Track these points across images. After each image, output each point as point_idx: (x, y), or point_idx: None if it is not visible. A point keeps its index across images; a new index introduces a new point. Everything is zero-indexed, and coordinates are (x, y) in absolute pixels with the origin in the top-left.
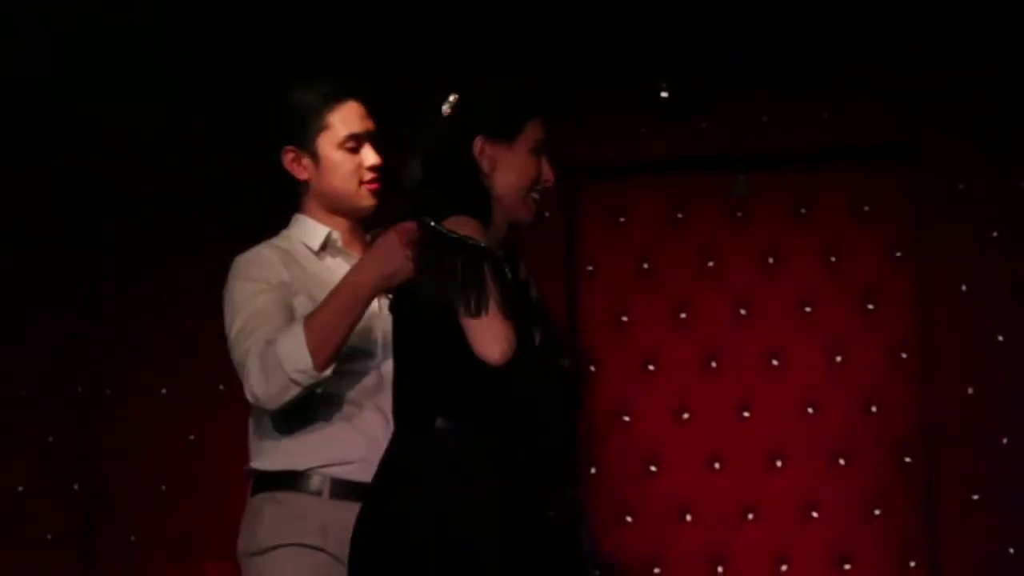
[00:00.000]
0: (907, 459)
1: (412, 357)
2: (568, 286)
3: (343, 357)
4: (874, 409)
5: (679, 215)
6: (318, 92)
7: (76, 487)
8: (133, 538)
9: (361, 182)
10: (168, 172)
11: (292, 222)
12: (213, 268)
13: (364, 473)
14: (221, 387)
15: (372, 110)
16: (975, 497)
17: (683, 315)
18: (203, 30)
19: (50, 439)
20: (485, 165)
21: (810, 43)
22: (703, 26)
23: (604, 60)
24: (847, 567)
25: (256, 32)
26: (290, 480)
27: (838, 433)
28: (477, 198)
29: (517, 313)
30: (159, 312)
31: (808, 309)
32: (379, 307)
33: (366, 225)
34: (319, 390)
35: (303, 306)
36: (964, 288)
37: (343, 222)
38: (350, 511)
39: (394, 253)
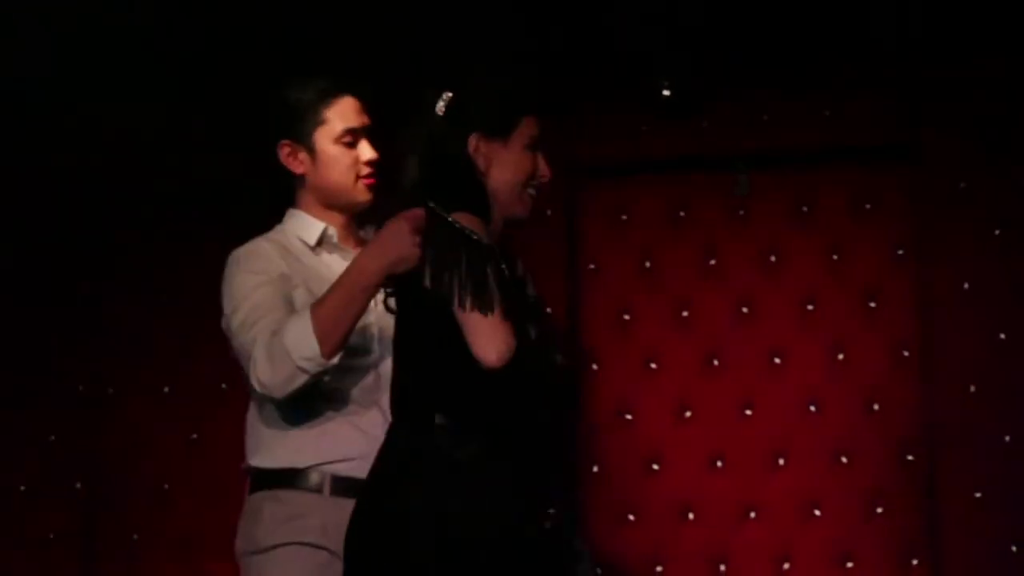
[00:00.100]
0: (909, 458)
1: (413, 352)
2: (569, 285)
3: (343, 354)
4: (876, 408)
5: (680, 214)
6: (315, 87)
7: (78, 486)
8: (135, 537)
9: (358, 177)
10: (168, 172)
11: (287, 217)
12: (213, 268)
13: (364, 470)
14: (223, 386)
15: (368, 106)
16: (977, 496)
17: (685, 314)
18: (203, 30)
19: (52, 438)
20: (481, 162)
21: (810, 43)
22: (703, 26)
23: (605, 60)
24: (849, 566)
25: (256, 32)
26: (290, 478)
27: (840, 432)
28: (474, 195)
29: (515, 311)
30: (160, 312)
31: (810, 308)
32: (375, 303)
33: (361, 221)
34: (326, 378)
35: (302, 300)
36: (966, 287)
37: (339, 217)
38: (350, 508)
39: (402, 239)
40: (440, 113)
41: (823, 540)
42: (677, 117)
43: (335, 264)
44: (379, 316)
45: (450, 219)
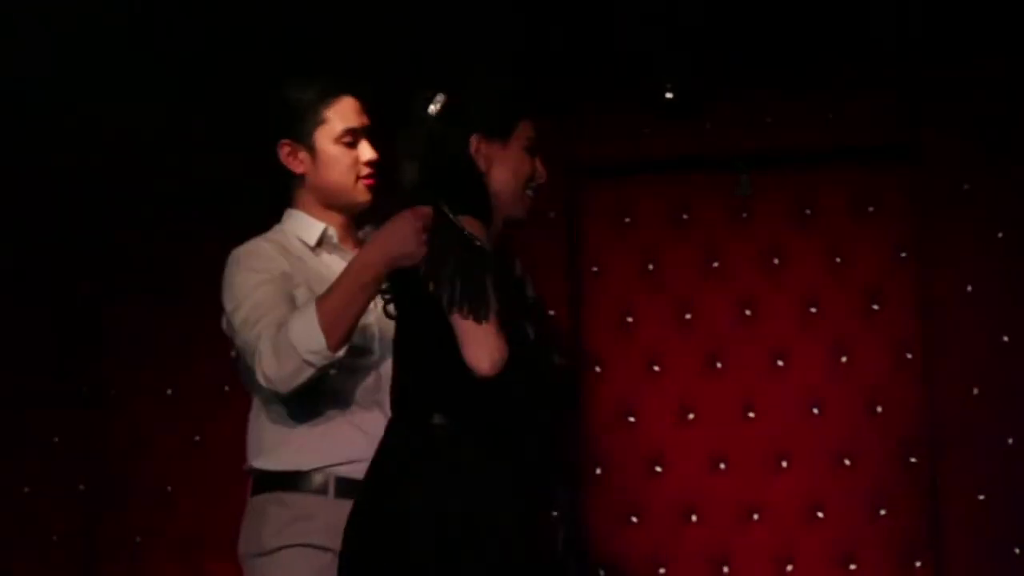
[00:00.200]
0: (912, 459)
1: (412, 351)
2: (571, 287)
3: (344, 354)
4: (879, 409)
5: (683, 215)
6: (315, 87)
7: (80, 487)
8: (137, 538)
9: (358, 177)
10: (168, 172)
11: (285, 217)
12: (214, 268)
13: None
14: (226, 388)
15: (368, 106)
16: (980, 497)
17: (687, 315)
18: (203, 30)
19: (55, 439)
20: (481, 163)
21: (811, 43)
22: (704, 26)
23: (606, 60)
24: (852, 567)
25: (256, 32)
26: (294, 480)
27: (842, 433)
28: (476, 196)
29: (512, 317)
30: (162, 313)
31: (812, 309)
32: (375, 304)
33: (359, 222)
34: (332, 371)
35: (303, 298)
36: (968, 288)
37: (338, 218)
38: None
39: (408, 233)
40: (436, 114)
41: (825, 541)
42: (678, 118)
43: (335, 264)
44: (379, 316)
45: (455, 222)
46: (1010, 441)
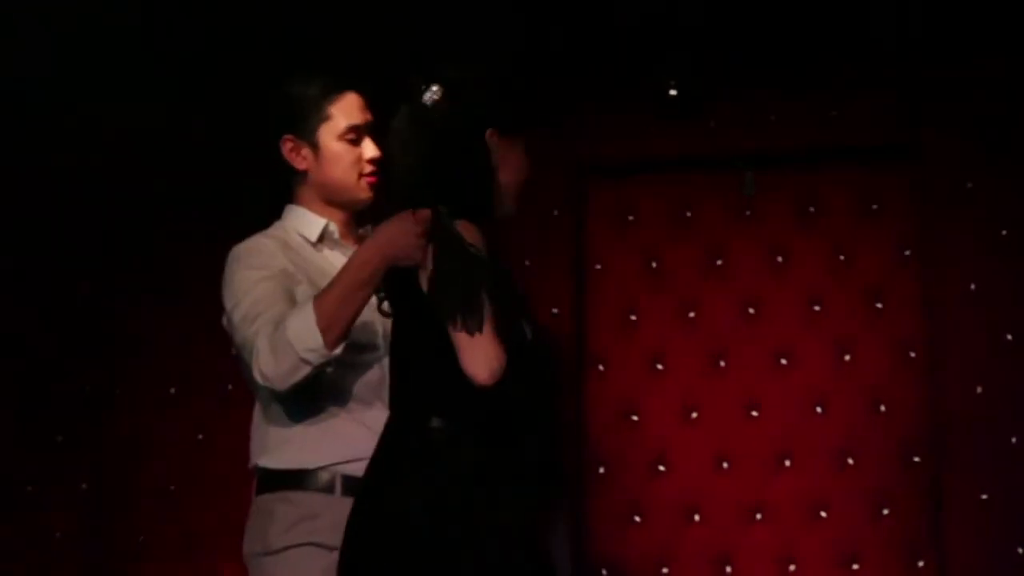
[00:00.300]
0: (915, 459)
1: (409, 354)
2: (575, 286)
3: (347, 352)
4: (882, 408)
5: (687, 214)
6: (319, 83)
7: (84, 487)
8: (141, 538)
9: (360, 175)
10: (168, 172)
11: (286, 213)
12: (216, 268)
13: None
14: (229, 386)
15: (371, 103)
16: (983, 497)
17: (691, 314)
18: (203, 30)
19: (58, 439)
20: (493, 158)
21: (811, 43)
22: (706, 26)
23: (608, 60)
24: (855, 567)
25: (256, 32)
26: (299, 479)
27: (846, 433)
28: (482, 192)
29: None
30: (165, 312)
31: (816, 308)
32: (376, 299)
33: (360, 218)
34: (329, 369)
35: (306, 295)
36: (972, 287)
37: (339, 214)
38: None
39: (406, 234)
40: (437, 104)
41: (828, 541)
42: (681, 117)
43: (336, 260)
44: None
45: (454, 230)
46: (1013, 440)
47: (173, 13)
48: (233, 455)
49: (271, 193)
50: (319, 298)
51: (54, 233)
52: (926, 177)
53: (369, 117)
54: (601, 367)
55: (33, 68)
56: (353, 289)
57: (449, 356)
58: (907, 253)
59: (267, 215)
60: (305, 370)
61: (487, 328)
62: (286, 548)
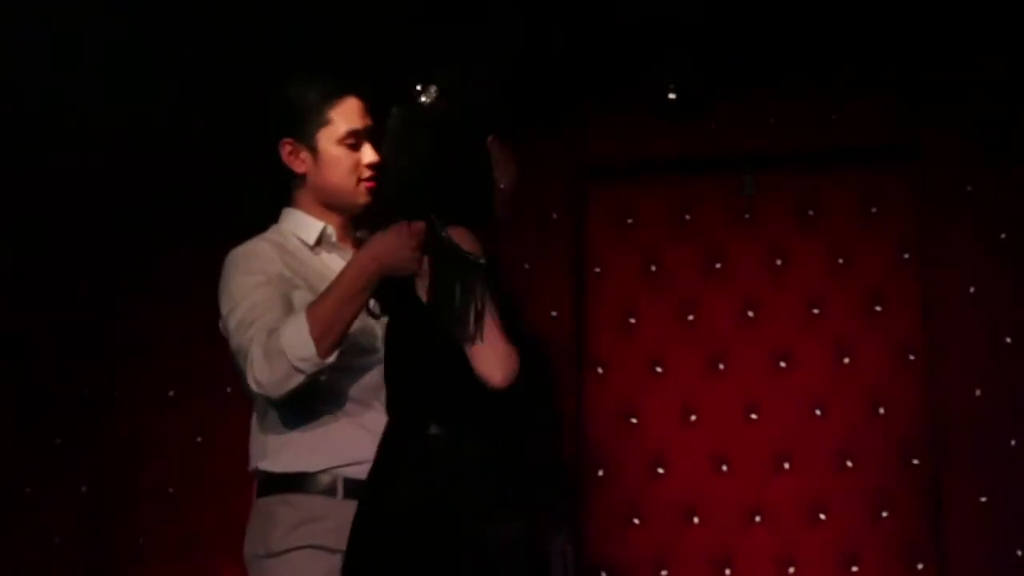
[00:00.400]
0: (914, 461)
1: (406, 361)
2: (574, 288)
3: (347, 354)
4: (881, 411)
5: (685, 216)
6: (320, 87)
7: (83, 489)
8: (140, 540)
9: (359, 179)
10: (168, 172)
11: (283, 216)
12: (216, 269)
13: None
14: (228, 389)
15: (371, 107)
16: (982, 499)
17: (690, 317)
18: (203, 30)
19: (57, 441)
20: (493, 164)
21: (811, 43)
22: (706, 27)
23: (608, 61)
24: (854, 569)
25: (256, 32)
26: (300, 481)
27: (845, 435)
28: (485, 196)
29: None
30: (163, 313)
31: (815, 311)
32: (374, 304)
33: (356, 222)
34: (323, 377)
35: (304, 299)
36: (971, 290)
37: (336, 217)
38: None
39: (400, 246)
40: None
41: (828, 543)
42: (681, 118)
43: (334, 263)
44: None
45: (449, 239)
46: (1012, 442)
47: (173, 13)
48: (233, 456)
49: (270, 195)
50: (313, 307)
51: (54, 233)
52: (926, 179)
53: (369, 122)
54: (600, 369)
55: (33, 68)
56: (347, 299)
57: (447, 363)
58: (906, 255)
59: (266, 216)
60: (298, 379)
61: (496, 331)
62: (287, 550)
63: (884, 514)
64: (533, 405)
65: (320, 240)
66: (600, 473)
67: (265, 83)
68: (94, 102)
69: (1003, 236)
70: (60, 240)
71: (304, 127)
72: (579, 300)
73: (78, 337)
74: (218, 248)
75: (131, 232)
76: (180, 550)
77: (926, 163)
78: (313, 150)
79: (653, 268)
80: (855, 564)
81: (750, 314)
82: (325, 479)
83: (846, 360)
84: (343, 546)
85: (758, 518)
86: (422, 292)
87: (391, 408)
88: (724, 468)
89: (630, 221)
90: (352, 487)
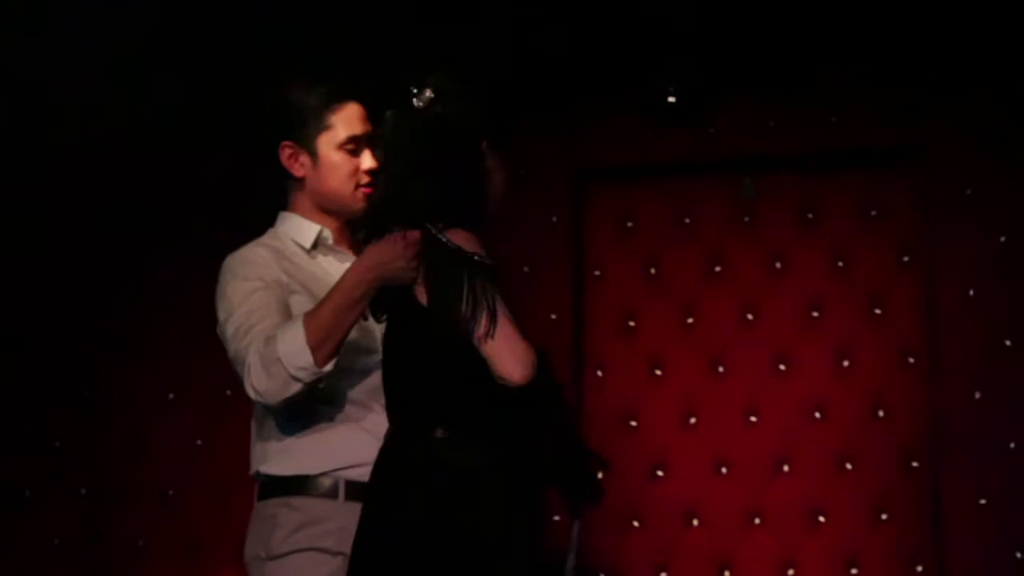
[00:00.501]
0: (914, 464)
1: (408, 366)
2: (574, 291)
3: (347, 356)
4: (881, 414)
5: (685, 219)
6: (321, 91)
7: (82, 492)
8: (140, 543)
9: (358, 185)
10: (168, 172)
11: (280, 220)
12: (216, 270)
13: None
14: (228, 392)
15: (371, 112)
16: (982, 502)
17: (690, 320)
18: (203, 30)
19: (57, 443)
20: (487, 168)
21: (812, 45)
22: (706, 29)
23: (608, 64)
24: (854, 572)
25: (256, 32)
26: (301, 484)
27: (845, 438)
28: (476, 202)
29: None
30: (163, 315)
31: (815, 314)
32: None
33: (353, 226)
34: (321, 384)
35: (302, 304)
36: (971, 293)
37: (333, 221)
38: None
39: (397, 256)
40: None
41: (828, 546)
42: (681, 122)
43: (331, 266)
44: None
45: (448, 242)
46: (1012, 446)
47: (174, 13)
48: (232, 459)
49: (269, 196)
50: (309, 316)
51: (53, 233)
52: (926, 182)
53: (369, 127)
54: (600, 372)
55: (34, 68)
56: (343, 309)
57: (450, 366)
58: (906, 258)
59: (268, 216)
60: (296, 387)
61: (511, 329)
62: (289, 553)
63: (884, 517)
64: (545, 405)
65: (316, 243)
66: (599, 476)
67: (265, 83)
68: (94, 101)
69: (1003, 239)
70: (59, 240)
71: (304, 131)
72: (579, 303)
73: (77, 338)
74: (217, 249)
75: (130, 232)
76: (179, 552)
77: (926, 166)
78: (313, 154)
79: (653, 271)
80: (855, 567)
81: (750, 317)
82: (326, 482)
83: (846, 363)
84: (344, 549)
85: (758, 520)
86: (421, 297)
87: (391, 412)
88: (724, 470)
89: (630, 224)
90: (353, 490)
